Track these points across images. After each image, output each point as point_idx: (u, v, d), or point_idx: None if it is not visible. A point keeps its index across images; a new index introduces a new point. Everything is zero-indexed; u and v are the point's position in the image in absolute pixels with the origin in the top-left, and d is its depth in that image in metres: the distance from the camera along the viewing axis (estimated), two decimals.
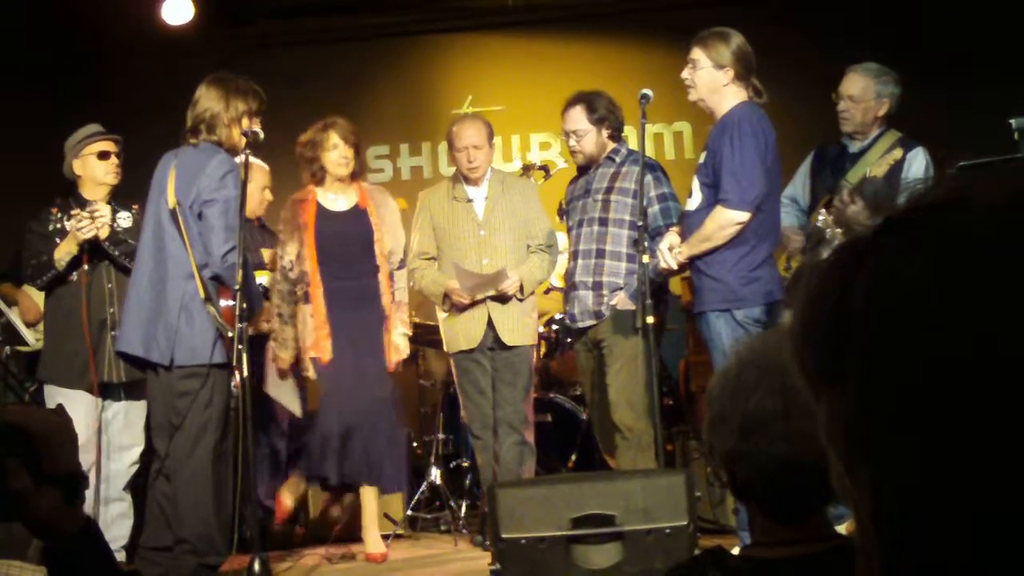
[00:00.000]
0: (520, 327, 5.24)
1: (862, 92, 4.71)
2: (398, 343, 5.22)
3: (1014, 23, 6.14)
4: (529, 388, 5.37)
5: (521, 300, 5.21)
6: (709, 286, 4.33)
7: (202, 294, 4.42)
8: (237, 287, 4.31)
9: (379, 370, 5.13)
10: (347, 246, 5.16)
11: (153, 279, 4.50)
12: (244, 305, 4.34)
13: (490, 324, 5.19)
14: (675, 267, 4.53)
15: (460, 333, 5.23)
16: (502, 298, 5.16)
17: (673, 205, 5.06)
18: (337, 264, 5.14)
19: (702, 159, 4.45)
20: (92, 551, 1.48)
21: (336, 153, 5.15)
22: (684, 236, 4.49)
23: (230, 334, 4.38)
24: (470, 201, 5.30)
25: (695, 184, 4.46)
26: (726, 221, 4.27)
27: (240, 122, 4.56)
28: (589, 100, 5.16)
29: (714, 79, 4.37)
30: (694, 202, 4.45)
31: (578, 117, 5.13)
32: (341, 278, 5.14)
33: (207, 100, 4.58)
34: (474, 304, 5.17)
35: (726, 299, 4.27)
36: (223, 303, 4.48)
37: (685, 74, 4.45)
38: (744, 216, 4.24)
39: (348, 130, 5.18)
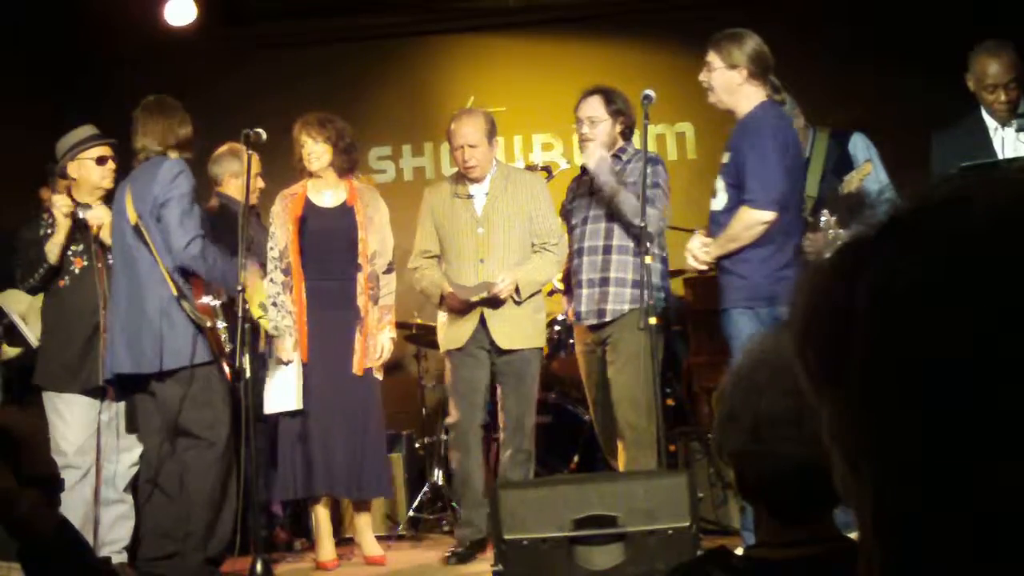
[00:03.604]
0: (519, 330, 5.07)
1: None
2: (384, 343, 5.13)
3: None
4: (533, 395, 5.21)
5: (518, 303, 5.05)
6: (735, 284, 4.32)
7: (174, 291, 4.55)
8: (239, 288, 4.37)
9: (352, 373, 5.07)
10: (330, 243, 5.13)
11: (130, 297, 4.66)
12: (245, 307, 4.41)
13: (484, 325, 5.03)
14: (703, 267, 4.48)
15: (451, 333, 5.13)
16: (494, 302, 5.00)
17: (655, 210, 4.97)
18: (319, 261, 5.12)
19: (725, 159, 4.44)
20: (68, 551, 1.49)
21: (305, 150, 5.15)
22: (709, 235, 4.48)
23: (208, 324, 4.56)
24: (470, 197, 5.16)
25: (719, 184, 4.44)
26: (752, 221, 4.27)
27: (172, 133, 4.77)
28: (608, 92, 5.15)
29: (729, 80, 4.39)
30: (719, 202, 4.44)
31: (596, 105, 5.10)
32: (322, 275, 5.11)
33: (141, 123, 4.81)
34: (471, 307, 5.07)
35: (752, 297, 4.26)
36: (201, 300, 4.64)
37: (702, 77, 4.47)
38: (770, 215, 4.25)
39: (316, 126, 5.13)
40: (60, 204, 4.88)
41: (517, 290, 5.02)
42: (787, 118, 4.44)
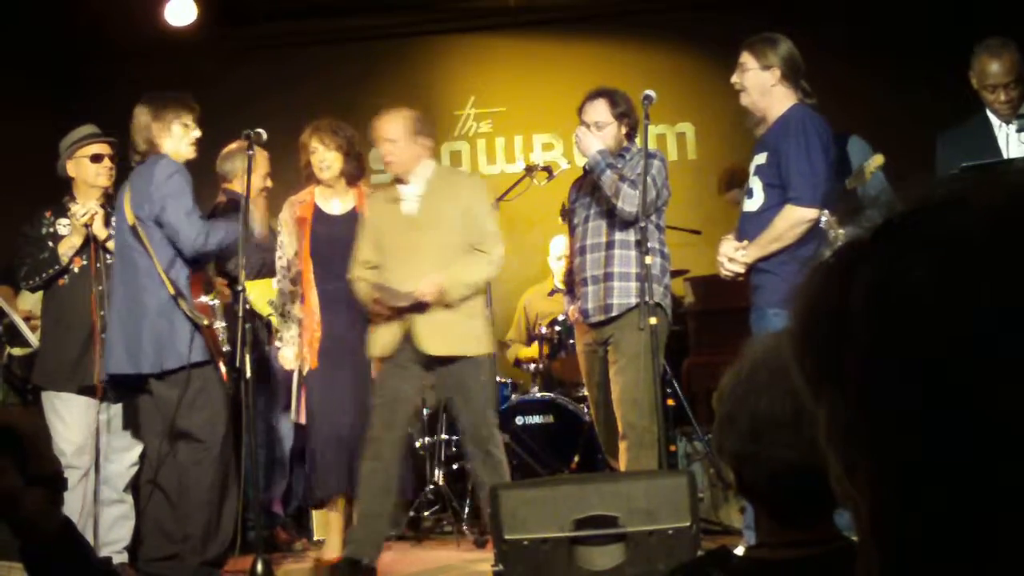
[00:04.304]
0: (449, 336, 4.75)
1: None
2: None
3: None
4: (487, 400, 4.89)
5: (449, 306, 4.74)
6: (775, 284, 4.25)
7: (171, 291, 4.56)
8: (240, 288, 4.39)
9: (367, 377, 5.04)
10: (340, 250, 5.08)
11: (128, 298, 4.65)
12: (246, 307, 4.41)
13: (412, 332, 4.75)
14: (742, 271, 4.36)
15: (379, 338, 4.88)
16: (419, 307, 4.70)
17: (634, 191, 4.96)
18: (329, 268, 5.07)
19: (762, 160, 4.40)
20: (70, 550, 1.49)
21: (316, 157, 5.10)
22: (741, 237, 4.44)
23: (204, 322, 4.54)
24: (402, 200, 4.93)
25: (756, 185, 4.40)
26: (797, 219, 4.24)
27: (170, 130, 4.73)
28: (612, 94, 5.13)
29: (763, 81, 4.39)
30: (755, 203, 4.39)
31: (602, 109, 5.09)
32: (333, 282, 5.08)
33: (136, 118, 4.77)
34: (399, 313, 4.78)
35: None
36: (199, 300, 4.64)
37: (735, 78, 4.47)
38: (815, 213, 4.22)
39: (329, 133, 5.08)
40: (79, 211, 4.89)
41: (446, 293, 4.72)
42: (824, 121, 4.42)
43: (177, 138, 4.76)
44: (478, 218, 4.87)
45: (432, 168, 4.99)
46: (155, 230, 4.63)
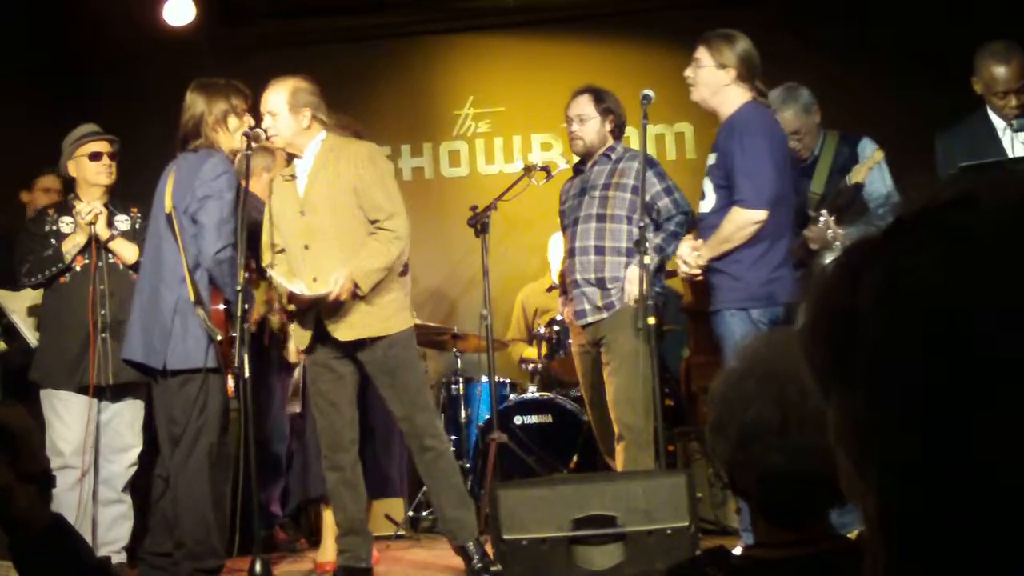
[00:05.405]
0: (359, 319, 4.53)
1: (800, 123, 4.74)
2: None
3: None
4: (419, 384, 4.67)
5: (363, 298, 4.52)
6: (727, 285, 4.29)
7: (192, 297, 4.44)
8: (239, 288, 4.35)
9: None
10: None
11: (151, 285, 4.55)
12: (246, 306, 4.37)
13: (320, 322, 4.57)
14: (697, 271, 4.41)
15: (296, 333, 4.75)
16: (335, 305, 4.49)
17: (679, 195, 5.06)
18: None
19: (712, 161, 4.42)
20: (60, 546, 1.49)
21: None
22: (699, 238, 4.46)
23: (219, 337, 4.41)
24: (294, 178, 4.67)
25: (708, 186, 4.42)
26: (744, 221, 4.24)
27: (225, 122, 4.60)
28: (596, 91, 5.20)
29: (716, 78, 4.37)
30: (708, 204, 4.41)
31: (585, 103, 5.15)
32: None
33: (191, 106, 4.62)
34: (312, 305, 4.60)
35: (744, 298, 4.24)
36: (218, 307, 4.49)
37: (688, 72, 4.45)
38: (762, 215, 4.22)
39: (335, 130, 5.05)
40: (83, 210, 4.87)
41: (358, 286, 4.51)
42: (775, 118, 4.43)
43: (232, 131, 4.61)
44: (369, 193, 4.57)
45: (320, 141, 4.68)
46: (188, 225, 4.48)
